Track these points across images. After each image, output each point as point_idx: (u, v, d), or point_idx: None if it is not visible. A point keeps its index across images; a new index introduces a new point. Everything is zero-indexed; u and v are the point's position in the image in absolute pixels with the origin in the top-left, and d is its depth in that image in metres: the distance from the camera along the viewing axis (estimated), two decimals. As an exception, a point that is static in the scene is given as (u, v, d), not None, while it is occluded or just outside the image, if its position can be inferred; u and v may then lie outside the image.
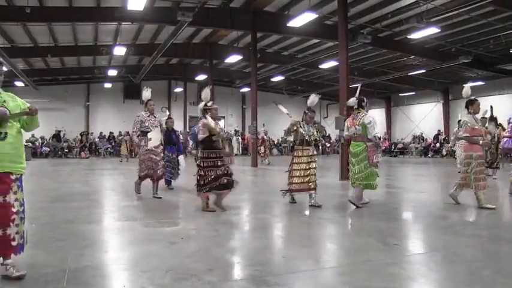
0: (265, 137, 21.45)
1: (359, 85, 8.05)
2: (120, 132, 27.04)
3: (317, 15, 14.94)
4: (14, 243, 3.51)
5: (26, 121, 3.76)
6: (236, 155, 23.55)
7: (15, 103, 3.67)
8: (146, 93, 8.52)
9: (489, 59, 21.35)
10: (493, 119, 10.14)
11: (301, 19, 14.71)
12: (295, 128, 7.37)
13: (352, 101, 7.58)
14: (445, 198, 7.65)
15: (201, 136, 6.78)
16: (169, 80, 31.07)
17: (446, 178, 12.64)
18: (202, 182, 6.72)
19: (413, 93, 30.48)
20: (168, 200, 8.18)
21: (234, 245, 4.98)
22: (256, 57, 19.37)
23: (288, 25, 15.48)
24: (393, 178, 13.27)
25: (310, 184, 7.30)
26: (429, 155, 27.09)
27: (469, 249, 4.78)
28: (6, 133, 3.51)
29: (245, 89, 30.14)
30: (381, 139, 7.46)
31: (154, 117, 8.48)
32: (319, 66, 23.37)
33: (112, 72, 25.05)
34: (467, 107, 7.28)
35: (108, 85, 28.54)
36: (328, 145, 29.43)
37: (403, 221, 6.68)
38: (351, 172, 7.38)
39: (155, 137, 8.20)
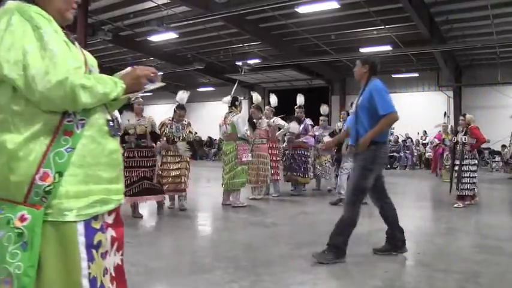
0: None
1: (236, 83, 7.96)
2: None
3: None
4: None
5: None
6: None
7: None
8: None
9: (219, 67, 23.52)
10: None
11: (36, 5, 13.60)
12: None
13: (227, 99, 7.45)
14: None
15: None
16: None
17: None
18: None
19: (151, 94, 31.34)
20: None
21: None
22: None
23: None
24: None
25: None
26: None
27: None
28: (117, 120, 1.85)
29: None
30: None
31: None
32: (56, 59, 21.96)
33: None
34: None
35: None
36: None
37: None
38: (223, 171, 7.39)
39: None
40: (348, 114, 11.17)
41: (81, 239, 1.60)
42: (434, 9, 14.56)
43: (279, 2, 12.74)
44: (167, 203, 7.08)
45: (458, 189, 7.95)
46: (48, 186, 1.52)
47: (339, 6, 13.54)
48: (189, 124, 7.16)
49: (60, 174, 1.54)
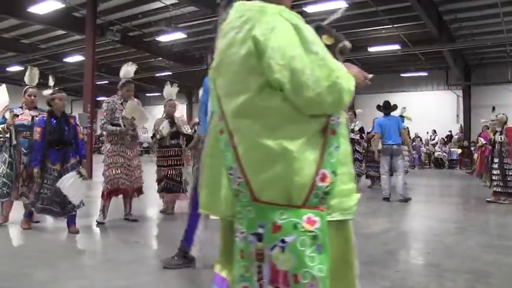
0: None
1: None
2: None
3: (63, 5, 14.13)
4: None
5: None
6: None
7: None
8: (128, 69, 6.43)
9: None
10: None
11: (46, 6, 13.70)
12: None
13: None
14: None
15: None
16: None
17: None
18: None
19: (159, 94, 31.48)
20: None
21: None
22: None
23: (29, 10, 14.20)
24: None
25: None
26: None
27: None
28: None
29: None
30: None
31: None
32: (64, 60, 22.12)
33: None
34: None
35: None
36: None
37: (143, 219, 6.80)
38: None
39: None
40: (355, 115, 11.23)
41: (354, 237, 1.64)
42: (443, 8, 14.48)
43: (286, 1, 12.72)
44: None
45: (502, 187, 8.17)
46: (327, 186, 1.51)
47: (347, 6, 13.50)
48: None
49: (335, 173, 1.53)
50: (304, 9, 13.80)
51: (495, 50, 19.21)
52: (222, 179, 1.61)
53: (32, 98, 5.69)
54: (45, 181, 5.18)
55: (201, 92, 4.10)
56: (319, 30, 2.47)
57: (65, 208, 5.24)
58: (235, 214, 1.57)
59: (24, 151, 5.54)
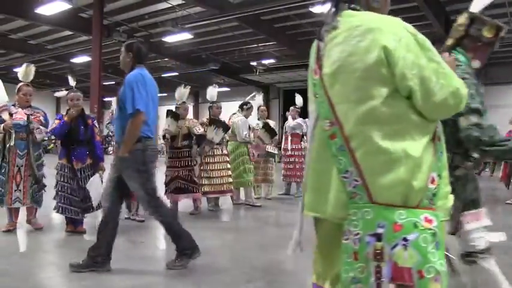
0: None
1: (253, 94, 8.24)
2: None
3: (70, 6, 14.19)
4: None
5: None
6: None
7: None
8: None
9: (234, 68, 23.53)
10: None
11: (53, 7, 13.76)
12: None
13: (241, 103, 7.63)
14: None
15: None
16: None
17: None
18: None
19: (166, 94, 31.45)
20: None
21: None
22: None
23: (36, 11, 14.27)
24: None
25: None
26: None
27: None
28: None
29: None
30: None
31: None
32: (72, 60, 22.20)
33: None
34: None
35: None
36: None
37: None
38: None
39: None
40: None
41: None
42: (450, 8, 14.41)
43: (293, 1, 12.71)
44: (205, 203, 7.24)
45: None
46: (434, 188, 1.61)
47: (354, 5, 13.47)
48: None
49: (440, 176, 1.64)
50: (310, 9, 13.77)
51: (502, 50, 19.05)
52: (330, 182, 1.67)
53: (28, 97, 5.51)
54: (62, 179, 5.18)
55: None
56: (476, 22, 2.54)
57: (85, 206, 5.26)
58: (347, 216, 1.61)
59: (20, 153, 5.31)
